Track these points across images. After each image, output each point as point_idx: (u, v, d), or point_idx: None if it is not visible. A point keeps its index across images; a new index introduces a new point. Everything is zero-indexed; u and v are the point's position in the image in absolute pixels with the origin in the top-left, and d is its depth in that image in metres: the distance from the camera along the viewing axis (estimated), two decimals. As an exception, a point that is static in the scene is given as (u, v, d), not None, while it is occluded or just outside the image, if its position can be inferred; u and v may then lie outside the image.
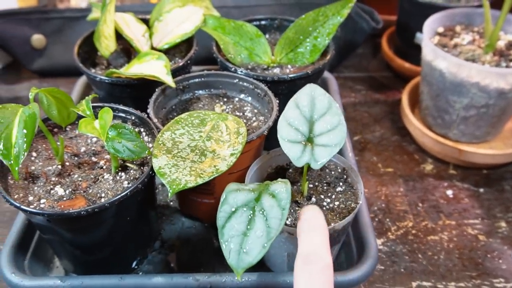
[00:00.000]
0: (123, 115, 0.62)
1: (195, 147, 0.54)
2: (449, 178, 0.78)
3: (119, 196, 0.50)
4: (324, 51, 0.75)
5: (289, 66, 0.75)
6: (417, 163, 0.80)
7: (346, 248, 0.63)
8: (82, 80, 0.86)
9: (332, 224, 0.53)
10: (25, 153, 0.45)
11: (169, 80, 0.62)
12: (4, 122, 0.46)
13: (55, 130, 0.61)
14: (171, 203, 0.72)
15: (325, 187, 0.61)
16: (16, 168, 0.44)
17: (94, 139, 0.61)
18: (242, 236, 0.44)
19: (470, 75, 0.72)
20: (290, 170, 0.62)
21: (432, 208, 0.72)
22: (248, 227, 0.45)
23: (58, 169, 0.56)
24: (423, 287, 0.62)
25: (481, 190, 0.76)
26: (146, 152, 0.53)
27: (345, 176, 0.62)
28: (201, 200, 0.65)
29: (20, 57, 0.97)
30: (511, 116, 0.79)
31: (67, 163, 0.57)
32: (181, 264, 0.64)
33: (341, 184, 0.61)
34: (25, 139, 0.45)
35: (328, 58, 0.72)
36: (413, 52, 0.94)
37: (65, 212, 0.48)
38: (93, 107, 0.57)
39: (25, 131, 0.45)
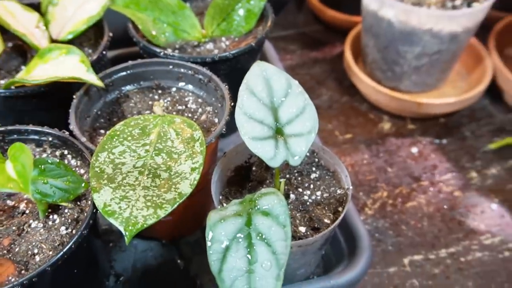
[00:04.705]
0: (35, 137, 0.48)
1: (144, 167, 0.43)
2: (410, 134, 0.73)
3: (62, 252, 0.38)
4: (260, 16, 0.64)
5: (223, 39, 0.64)
6: (374, 123, 0.75)
7: (332, 242, 0.56)
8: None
9: (327, 221, 0.46)
10: None
11: (92, 79, 0.49)
12: None
13: None
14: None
15: (298, 178, 0.52)
16: None
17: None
18: (248, 274, 0.35)
19: (421, 22, 0.65)
20: (254, 169, 0.52)
21: (401, 171, 0.67)
22: (251, 261, 0.35)
23: (-37, 228, 0.42)
24: (416, 262, 0.57)
25: (444, 141, 0.72)
26: (83, 185, 0.41)
27: (316, 160, 0.54)
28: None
29: None
30: (458, 59, 0.75)
31: (-26, 216, 0.43)
32: (146, 299, 0.53)
33: (313, 169, 0.53)
34: None
35: (269, 23, 0.62)
36: (345, 1, 0.87)
37: (-9, 294, 0.36)
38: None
39: None
